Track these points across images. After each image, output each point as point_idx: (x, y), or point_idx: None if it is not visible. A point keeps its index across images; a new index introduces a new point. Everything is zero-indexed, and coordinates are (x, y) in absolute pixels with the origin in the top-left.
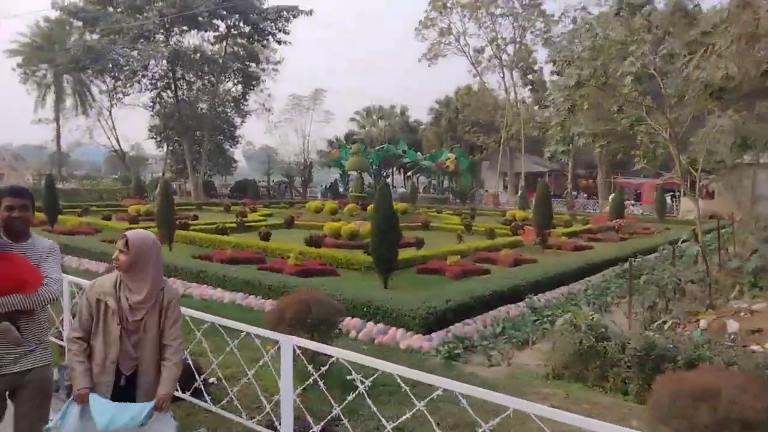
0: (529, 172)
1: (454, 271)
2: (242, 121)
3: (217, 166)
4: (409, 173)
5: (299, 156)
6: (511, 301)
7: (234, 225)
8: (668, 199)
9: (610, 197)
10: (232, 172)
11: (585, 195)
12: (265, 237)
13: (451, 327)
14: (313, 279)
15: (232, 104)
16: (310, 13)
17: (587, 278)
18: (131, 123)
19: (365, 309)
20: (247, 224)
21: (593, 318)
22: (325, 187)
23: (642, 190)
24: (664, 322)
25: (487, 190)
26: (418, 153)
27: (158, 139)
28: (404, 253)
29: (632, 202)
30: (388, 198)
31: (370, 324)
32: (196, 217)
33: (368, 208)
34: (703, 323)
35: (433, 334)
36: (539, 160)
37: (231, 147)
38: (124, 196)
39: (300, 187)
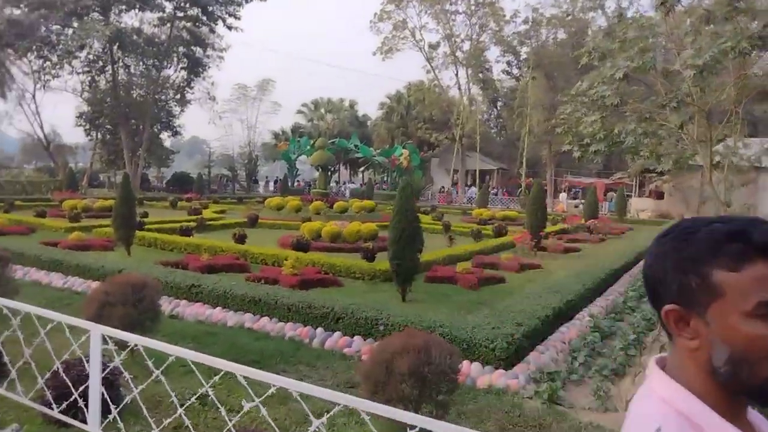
0: (476, 169)
1: (469, 280)
2: (182, 110)
3: (152, 157)
4: (361, 169)
5: (244, 148)
6: (566, 318)
7: (193, 224)
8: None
9: (561, 196)
10: (169, 164)
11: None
12: (241, 239)
13: (529, 357)
14: (314, 291)
15: (173, 92)
16: None
17: (611, 287)
18: (55, 109)
19: None
20: (206, 223)
21: None
22: (275, 181)
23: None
24: None
25: (442, 188)
26: (371, 148)
27: (87, 127)
28: None
29: (581, 200)
30: (411, 199)
31: None
32: (146, 215)
33: (334, 205)
34: None
35: (516, 369)
36: (487, 159)
37: (169, 137)
38: (51, 190)
39: (244, 182)
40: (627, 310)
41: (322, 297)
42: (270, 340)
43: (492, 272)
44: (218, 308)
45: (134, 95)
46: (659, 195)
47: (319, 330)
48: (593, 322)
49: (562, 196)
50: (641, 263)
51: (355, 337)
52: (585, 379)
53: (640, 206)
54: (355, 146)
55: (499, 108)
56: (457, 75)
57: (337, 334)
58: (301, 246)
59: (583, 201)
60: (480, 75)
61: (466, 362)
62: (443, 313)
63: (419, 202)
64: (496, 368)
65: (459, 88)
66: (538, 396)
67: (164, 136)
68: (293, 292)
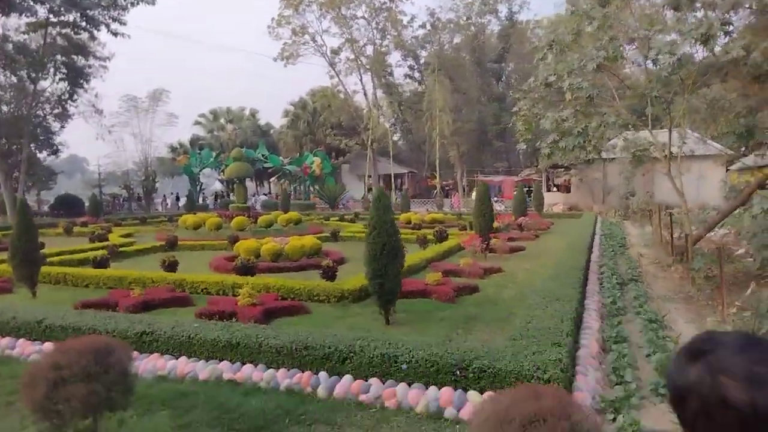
0: (387, 174)
1: (446, 292)
2: (62, 126)
3: (32, 179)
4: (271, 179)
5: (138, 164)
6: (577, 328)
7: (105, 253)
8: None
9: (472, 193)
10: (52, 186)
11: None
12: (172, 267)
13: (577, 383)
14: (280, 320)
15: (52, 105)
16: (152, 2)
17: (586, 287)
18: None
19: (458, 373)
20: (118, 250)
21: None
22: (176, 198)
23: (503, 187)
24: None
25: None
26: (280, 157)
27: None
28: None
29: (496, 198)
30: (389, 210)
31: (473, 393)
32: (42, 245)
33: (258, 220)
34: None
35: (576, 398)
36: (395, 163)
37: (48, 156)
38: None
39: (142, 200)
40: (620, 311)
41: (283, 325)
42: (264, 395)
43: (463, 281)
44: (182, 358)
45: (5, 111)
46: (567, 189)
47: (323, 375)
48: (616, 331)
49: (475, 195)
50: (594, 257)
51: (371, 380)
52: (644, 402)
53: (552, 200)
54: (263, 156)
55: (403, 112)
56: (361, 80)
57: (347, 377)
58: (247, 269)
59: (497, 199)
60: (383, 80)
61: None
62: (437, 335)
63: (337, 210)
64: None
65: (365, 94)
66: None
67: (42, 155)
68: (278, 331)
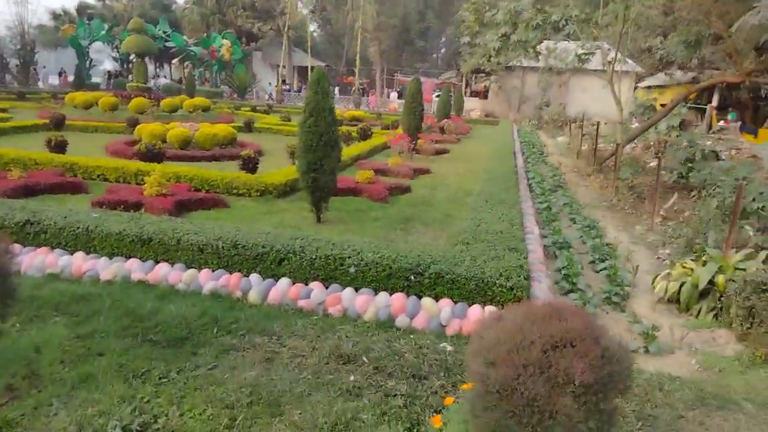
0: (302, 66)
1: (379, 191)
2: None
3: None
4: (173, 61)
5: (14, 30)
6: None
7: None
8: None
9: (391, 95)
10: None
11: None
12: (60, 147)
13: (533, 290)
14: (195, 214)
15: None
16: None
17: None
18: None
19: (412, 278)
20: None
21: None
22: (59, 73)
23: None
24: None
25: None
26: (184, 37)
27: None
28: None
29: None
30: (328, 96)
31: (428, 300)
32: None
33: (162, 103)
34: None
35: None
36: (312, 56)
37: None
38: None
39: (18, 74)
40: (552, 217)
41: (199, 219)
42: (184, 299)
43: (393, 181)
44: (79, 254)
45: None
46: (485, 95)
47: (255, 277)
48: (561, 237)
49: (393, 95)
50: (519, 164)
51: (312, 284)
52: (598, 311)
53: (470, 106)
54: (165, 34)
55: None
56: None
57: (284, 281)
58: (153, 155)
59: None
60: None
61: (477, 308)
62: (374, 235)
63: (246, 100)
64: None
65: None
66: None
67: None
68: (200, 226)
